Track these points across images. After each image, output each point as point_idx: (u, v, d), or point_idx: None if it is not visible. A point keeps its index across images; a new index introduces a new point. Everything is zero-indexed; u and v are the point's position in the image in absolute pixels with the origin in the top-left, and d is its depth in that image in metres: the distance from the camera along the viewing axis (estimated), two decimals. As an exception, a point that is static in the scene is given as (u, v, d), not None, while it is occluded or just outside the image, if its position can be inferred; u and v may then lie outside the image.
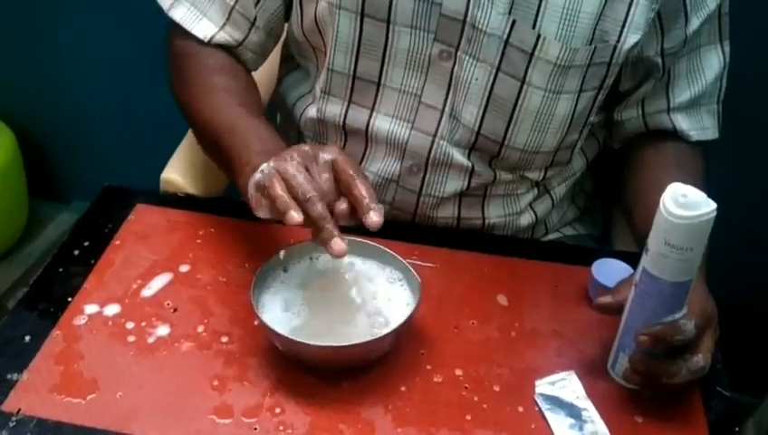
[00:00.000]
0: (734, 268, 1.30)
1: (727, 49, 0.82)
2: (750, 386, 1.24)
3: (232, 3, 0.81)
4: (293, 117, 0.89)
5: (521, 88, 0.75)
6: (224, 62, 0.83)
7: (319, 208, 0.60)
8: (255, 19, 0.82)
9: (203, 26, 0.81)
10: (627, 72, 0.80)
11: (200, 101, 0.79)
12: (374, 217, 0.61)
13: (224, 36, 0.82)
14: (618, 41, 0.73)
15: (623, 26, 0.73)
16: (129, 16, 1.41)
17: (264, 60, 0.88)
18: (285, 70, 0.92)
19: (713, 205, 0.57)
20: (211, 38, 0.81)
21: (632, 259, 0.74)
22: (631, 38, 0.73)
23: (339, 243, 0.60)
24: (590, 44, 0.73)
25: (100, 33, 1.47)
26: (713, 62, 0.82)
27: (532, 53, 0.73)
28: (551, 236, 0.92)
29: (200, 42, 0.82)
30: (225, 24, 0.81)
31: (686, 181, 0.59)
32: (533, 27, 0.72)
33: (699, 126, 0.84)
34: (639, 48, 0.76)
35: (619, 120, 0.85)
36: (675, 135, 0.84)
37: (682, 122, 0.83)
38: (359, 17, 0.75)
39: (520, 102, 0.75)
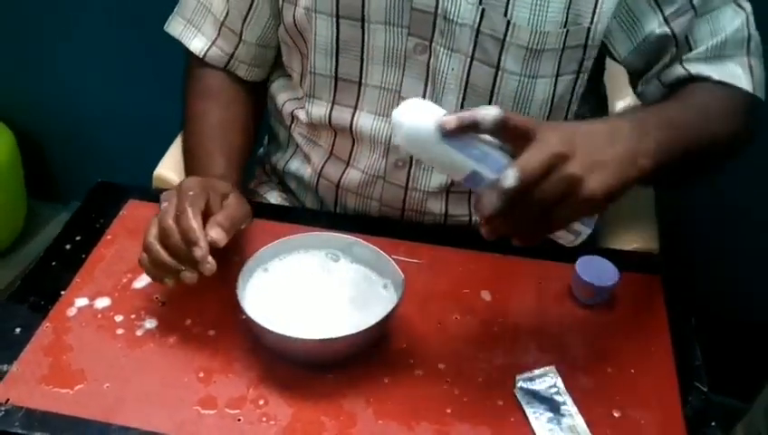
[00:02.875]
0: (728, 273, 1.31)
1: (746, 4, 0.78)
2: (740, 391, 1.24)
3: (222, 18, 0.86)
4: (284, 118, 0.91)
5: (496, 74, 0.76)
6: (220, 84, 0.89)
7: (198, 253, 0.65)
8: (242, 34, 0.87)
9: (198, 41, 0.88)
10: (635, 55, 0.78)
11: (185, 125, 0.88)
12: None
13: (216, 51, 0.88)
14: (591, 23, 0.74)
15: (595, 8, 0.73)
16: (128, 20, 1.42)
17: (265, 70, 0.92)
18: (275, 75, 0.94)
19: None
20: (206, 53, 0.88)
21: (616, 257, 0.75)
22: (604, 19, 0.73)
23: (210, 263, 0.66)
24: (564, 28, 0.73)
25: (99, 37, 1.48)
26: (730, 18, 0.77)
27: (504, 39, 0.74)
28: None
29: (199, 59, 0.88)
30: (216, 38, 0.87)
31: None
32: (505, 15, 0.73)
33: (723, 71, 0.77)
34: (640, 27, 0.75)
35: (641, 92, 0.83)
36: (692, 79, 0.78)
37: (699, 67, 0.77)
38: (334, 19, 0.77)
39: (496, 88, 0.77)
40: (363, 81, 0.80)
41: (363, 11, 0.76)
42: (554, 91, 0.78)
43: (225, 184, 0.74)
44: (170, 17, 0.89)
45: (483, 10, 0.73)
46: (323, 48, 0.79)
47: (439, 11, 0.74)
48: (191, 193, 0.68)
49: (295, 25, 0.81)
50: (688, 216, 1.23)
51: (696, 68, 0.78)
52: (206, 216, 0.68)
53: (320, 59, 0.80)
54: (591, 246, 0.92)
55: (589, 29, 0.74)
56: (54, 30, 1.50)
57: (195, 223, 0.66)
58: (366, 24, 0.77)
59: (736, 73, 0.78)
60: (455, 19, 0.74)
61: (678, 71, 0.78)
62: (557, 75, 0.77)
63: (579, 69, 0.78)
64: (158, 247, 0.67)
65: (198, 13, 0.87)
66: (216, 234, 0.66)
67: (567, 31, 0.74)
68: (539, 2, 0.72)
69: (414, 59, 0.77)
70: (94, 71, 1.53)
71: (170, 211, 0.67)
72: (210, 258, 0.65)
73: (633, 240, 0.89)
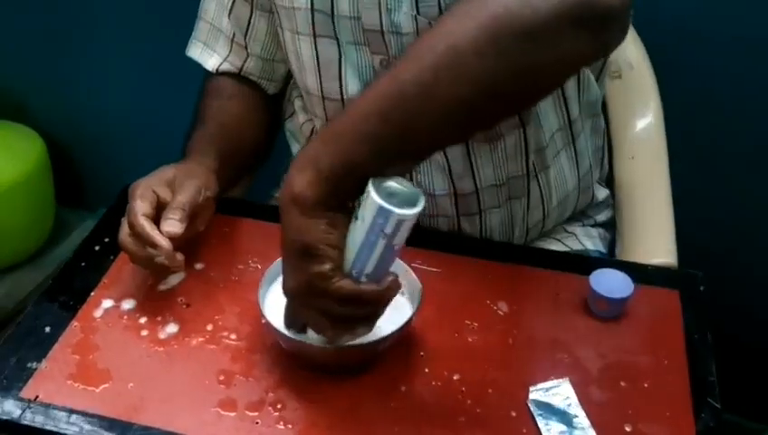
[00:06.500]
0: (747, 292, 1.30)
1: None
2: (755, 412, 1.23)
3: (230, 35, 0.91)
4: (302, 135, 0.94)
5: None
6: (226, 84, 0.93)
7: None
8: (247, 46, 0.91)
9: (213, 60, 0.93)
10: None
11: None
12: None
13: (227, 66, 0.92)
14: None
15: None
16: (154, 28, 1.46)
17: (277, 84, 0.95)
18: (296, 93, 0.96)
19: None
20: (218, 68, 0.92)
21: (633, 271, 0.76)
22: None
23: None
24: None
25: (126, 45, 1.51)
26: None
27: None
28: (554, 247, 0.93)
29: (212, 74, 0.92)
30: (228, 55, 0.92)
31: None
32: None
33: None
34: None
35: None
36: None
37: None
38: (313, 39, 0.81)
39: None
40: (345, 98, 0.83)
41: (335, 31, 0.80)
42: None
43: (168, 169, 0.79)
44: (189, 41, 0.94)
45: (417, 19, 0.75)
46: (309, 67, 0.83)
47: (384, 27, 0.77)
48: (136, 199, 0.75)
49: (286, 49, 0.86)
50: (708, 230, 1.23)
51: None
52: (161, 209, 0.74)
53: (309, 78, 0.84)
54: (608, 259, 0.93)
55: None
56: (82, 38, 1.53)
57: (147, 228, 0.71)
58: (340, 44, 0.80)
59: None
60: (398, 31, 0.76)
61: None
62: None
63: None
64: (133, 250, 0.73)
65: (212, 34, 0.92)
66: (171, 226, 0.72)
67: None
68: None
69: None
70: (124, 79, 1.56)
71: (123, 227, 0.74)
72: (178, 255, 0.72)
73: (651, 254, 0.89)
